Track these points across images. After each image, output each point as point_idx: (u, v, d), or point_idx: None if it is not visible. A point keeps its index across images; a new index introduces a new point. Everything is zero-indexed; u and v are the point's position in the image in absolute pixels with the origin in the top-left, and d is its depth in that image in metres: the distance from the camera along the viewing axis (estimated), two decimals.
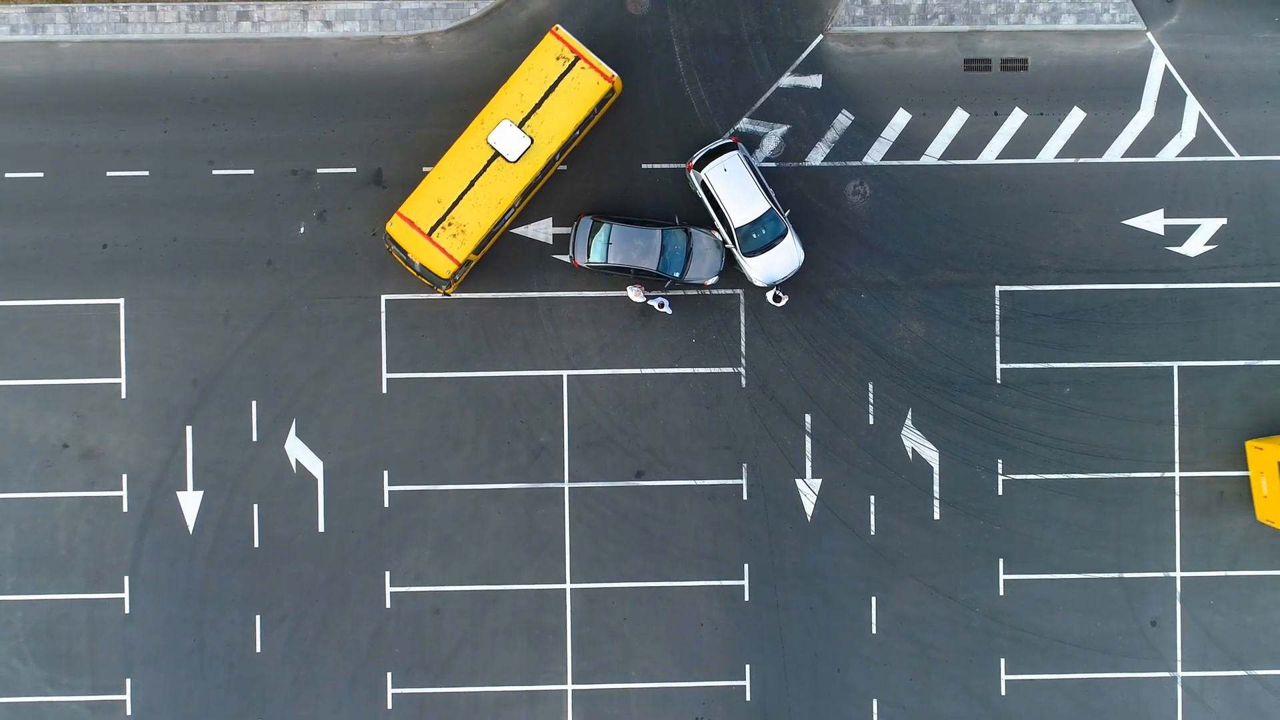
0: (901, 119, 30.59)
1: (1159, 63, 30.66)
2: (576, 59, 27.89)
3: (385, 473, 30.40)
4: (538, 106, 27.75)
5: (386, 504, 30.41)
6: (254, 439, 30.32)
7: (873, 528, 30.55)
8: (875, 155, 30.61)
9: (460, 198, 27.69)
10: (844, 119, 30.60)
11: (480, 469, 30.31)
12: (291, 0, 30.21)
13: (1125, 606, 30.60)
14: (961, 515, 30.51)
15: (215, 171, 30.38)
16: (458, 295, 30.28)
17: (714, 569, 30.46)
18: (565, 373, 30.55)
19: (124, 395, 30.29)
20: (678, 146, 30.53)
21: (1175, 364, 30.66)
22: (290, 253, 30.38)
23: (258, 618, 30.36)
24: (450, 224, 27.68)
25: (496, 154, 27.66)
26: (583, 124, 28.45)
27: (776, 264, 29.76)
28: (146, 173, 30.34)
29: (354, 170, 30.41)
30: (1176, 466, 30.62)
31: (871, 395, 30.61)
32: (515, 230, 30.41)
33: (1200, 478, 30.57)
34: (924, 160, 30.60)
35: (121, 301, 30.30)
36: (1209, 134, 30.68)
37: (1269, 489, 28.87)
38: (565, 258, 30.58)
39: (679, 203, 30.58)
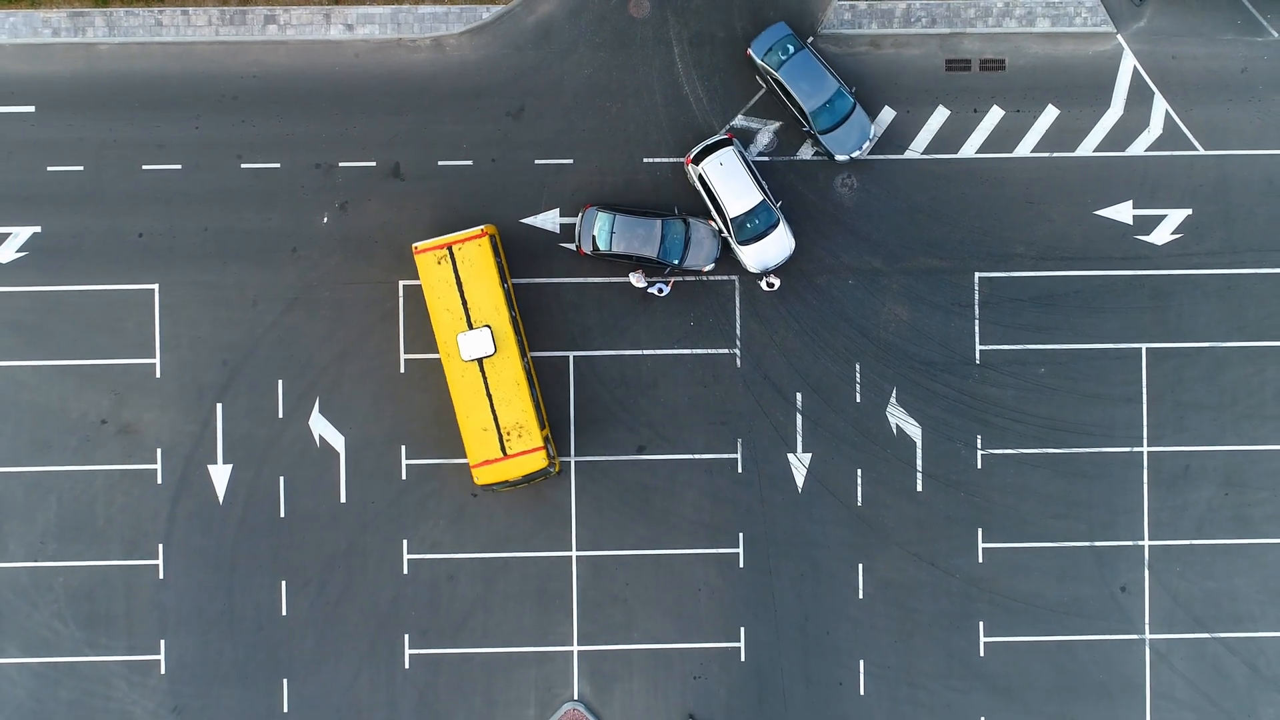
0: (886, 116, 32.09)
1: (1128, 63, 32.17)
2: (448, 247, 29.31)
3: (403, 447, 31.88)
4: (465, 304, 29.20)
5: (404, 476, 31.89)
6: (280, 416, 31.82)
7: (859, 499, 32.08)
8: (862, 150, 31.79)
9: (494, 410, 29.16)
10: None
11: None
12: (315, 5, 31.73)
13: (1096, 573, 32.11)
14: (943, 487, 32.08)
15: (244, 165, 31.81)
16: None
17: (711, 538, 31.98)
18: (571, 353, 32.03)
19: (158, 374, 31.76)
20: (676, 142, 32.00)
21: (1143, 345, 32.13)
22: (314, 241, 31.84)
23: (284, 583, 31.85)
24: (509, 432, 29.16)
25: (480, 359, 29.11)
26: (503, 277, 29.94)
27: (769, 252, 31.23)
28: (179, 166, 31.75)
29: (374, 164, 31.86)
30: (1145, 442, 32.10)
31: (858, 375, 32.15)
32: (525, 221, 31.96)
33: (1167, 452, 32.07)
34: (908, 155, 32.17)
35: (156, 287, 31.75)
36: (1175, 130, 32.17)
37: None
38: (571, 246, 31.97)
39: (678, 194, 32.03)
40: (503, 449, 29.18)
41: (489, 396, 29.18)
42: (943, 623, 32.04)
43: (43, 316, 31.61)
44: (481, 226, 29.81)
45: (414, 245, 29.64)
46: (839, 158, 31.27)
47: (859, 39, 32.01)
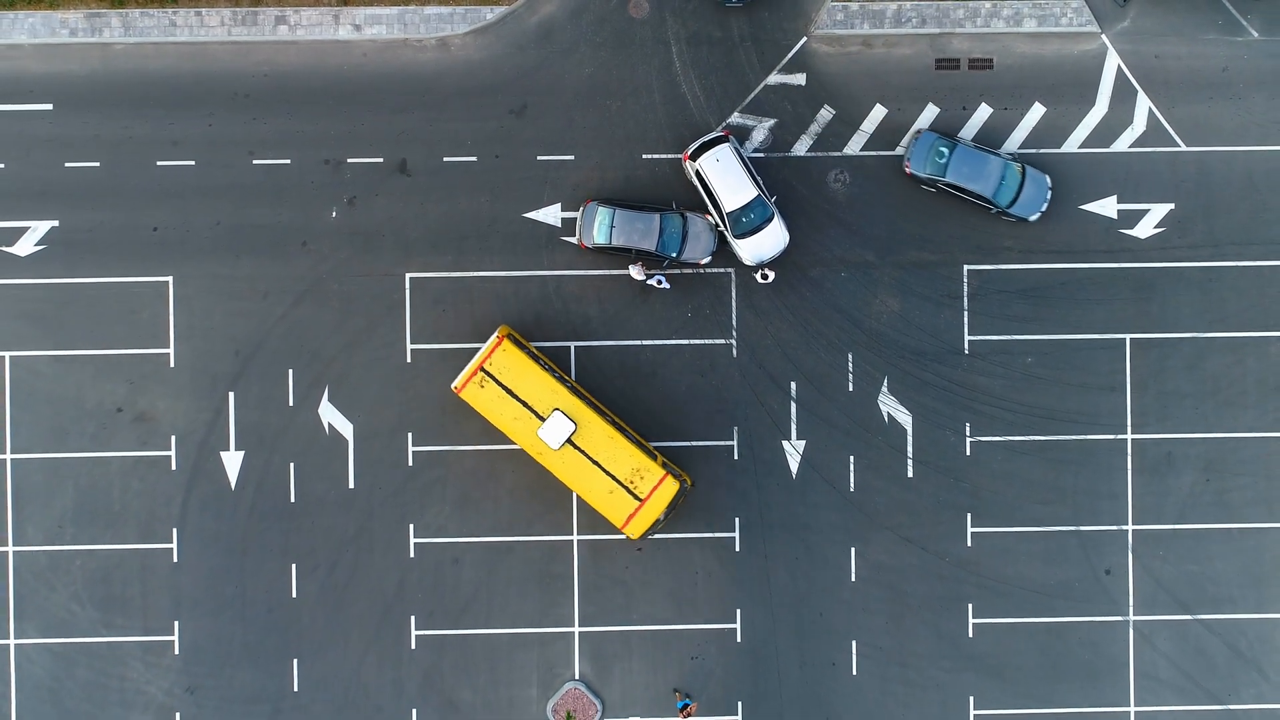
0: (878, 113, 32.90)
1: (1112, 62, 32.99)
2: (480, 369, 29.84)
3: (409, 434, 32.71)
4: (526, 404, 29.79)
5: (411, 463, 32.73)
6: (290, 404, 32.68)
7: (852, 485, 32.91)
8: (854, 146, 32.90)
9: (608, 472, 29.86)
10: (826, 113, 32.83)
11: (495, 431, 32.38)
12: (325, 6, 32.55)
13: (1082, 557, 32.97)
14: (933, 473, 32.93)
15: (255, 161, 32.59)
16: (474, 273, 32.63)
17: (707, 522, 32.80)
18: (573, 344, 32.84)
19: (172, 364, 32.60)
20: (674, 139, 32.80)
21: (1127, 336, 32.94)
22: (323, 235, 32.65)
23: (294, 566, 32.70)
24: (632, 481, 29.87)
25: (568, 439, 29.77)
26: (535, 357, 30.54)
27: (764, 245, 32.01)
28: (193, 162, 32.54)
29: (381, 160, 32.67)
30: (1129, 429, 32.92)
31: (851, 364, 33.00)
32: (527, 215, 32.80)
33: (1150, 439, 32.91)
34: (899, 151, 33.03)
35: (170, 279, 32.54)
36: (1158, 127, 32.98)
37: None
38: (573, 239, 32.77)
39: (676, 190, 32.81)
40: (635, 497, 29.96)
41: (596, 464, 29.98)
42: (933, 605, 32.86)
43: (60, 308, 32.46)
44: (495, 333, 30.49)
45: (453, 387, 30.26)
46: (1032, 219, 32.14)
47: (851, 39, 32.86)
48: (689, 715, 31.88)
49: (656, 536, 32.72)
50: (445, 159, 32.73)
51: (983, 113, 32.89)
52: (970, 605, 32.92)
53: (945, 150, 31.50)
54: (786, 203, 32.82)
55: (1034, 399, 32.89)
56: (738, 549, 32.87)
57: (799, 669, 32.80)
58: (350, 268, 32.67)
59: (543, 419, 29.92)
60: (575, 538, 32.82)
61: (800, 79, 32.84)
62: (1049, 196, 32.01)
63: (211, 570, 32.67)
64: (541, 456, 30.22)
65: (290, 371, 32.69)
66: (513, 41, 32.84)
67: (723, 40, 32.80)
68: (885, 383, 32.92)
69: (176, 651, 32.63)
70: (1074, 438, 32.88)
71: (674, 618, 32.85)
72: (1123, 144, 32.97)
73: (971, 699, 32.87)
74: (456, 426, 32.62)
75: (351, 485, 32.73)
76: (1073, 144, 32.93)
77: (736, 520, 32.87)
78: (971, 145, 31.68)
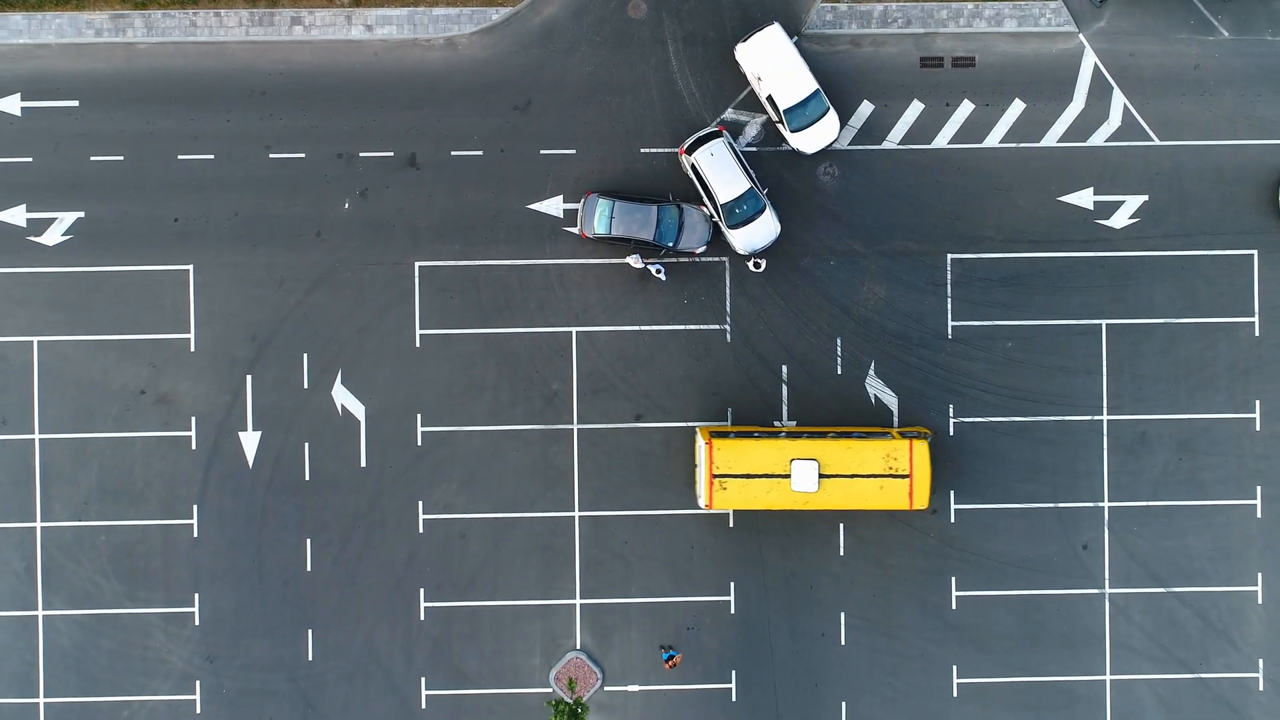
0: (865, 109, 34.02)
1: (1089, 60, 34.08)
2: (713, 477, 30.63)
3: (419, 415, 33.82)
4: (762, 475, 30.70)
5: (420, 443, 33.84)
6: (305, 386, 33.78)
7: None
8: (842, 141, 33.94)
9: (869, 474, 30.69)
10: None
11: (501, 412, 33.79)
12: (338, 7, 33.65)
13: (1060, 532, 34.08)
14: None
15: (272, 155, 33.66)
16: (481, 262, 33.76)
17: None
18: (574, 329, 33.96)
19: (193, 349, 33.71)
20: (671, 134, 33.87)
21: (1104, 322, 34.03)
22: (336, 226, 33.73)
23: (308, 541, 33.80)
24: (890, 468, 30.61)
25: (820, 476, 30.68)
26: (742, 434, 31.27)
27: (757, 235, 33.05)
28: (212, 156, 33.62)
29: (392, 154, 33.74)
30: (1105, 411, 34.01)
31: (839, 349, 34.07)
32: (531, 207, 33.93)
33: (1125, 420, 34.04)
34: (885, 145, 34.14)
35: (191, 268, 33.66)
36: (1133, 122, 34.08)
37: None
38: (574, 230, 33.80)
39: (672, 182, 33.87)
40: (902, 477, 30.67)
41: (854, 477, 30.70)
42: (917, 578, 33.95)
43: (86, 295, 33.57)
44: (699, 439, 31.20)
45: (705, 507, 31.22)
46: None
47: (840, 38, 33.99)
48: (674, 666, 33.14)
49: (652, 513, 33.91)
50: (453, 153, 33.81)
51: (965, 108, 34.04)
52: (953, 578, 34.02)
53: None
54: (778, 195, 33.93)
55: (1015, 382, 33.97)
56: (731, 525, 33.95)
57: (790, 639, 33.99)
58: (362, 257, 33.75)
59: (787, 476, 30.81)
60: (577, 514, 33.96)
61: None
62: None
63: (230, 545, 33.79)
64: (808, 504, 31.00)
65: (305, 356, 33.77)
66: (517, 41, 33.87)
67: (717, 40, 33.86)
68: (872, 366, 34.00)
69: (197, 622, 33.76)
70: (1053, 419, 33.95)
71: (671, 590, 33.95)
72: (1099, 138, 34.05)
73: (955, 668, 34.07)
74: (464, 408, 33.77)
75: (363, 464, 33.80)
76: (1051, 138, 34.01)
77: None
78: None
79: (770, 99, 32.73)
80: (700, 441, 31.52)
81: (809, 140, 33.02)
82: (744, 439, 31.10)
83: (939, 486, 33.99)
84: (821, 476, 30.78)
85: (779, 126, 33.18)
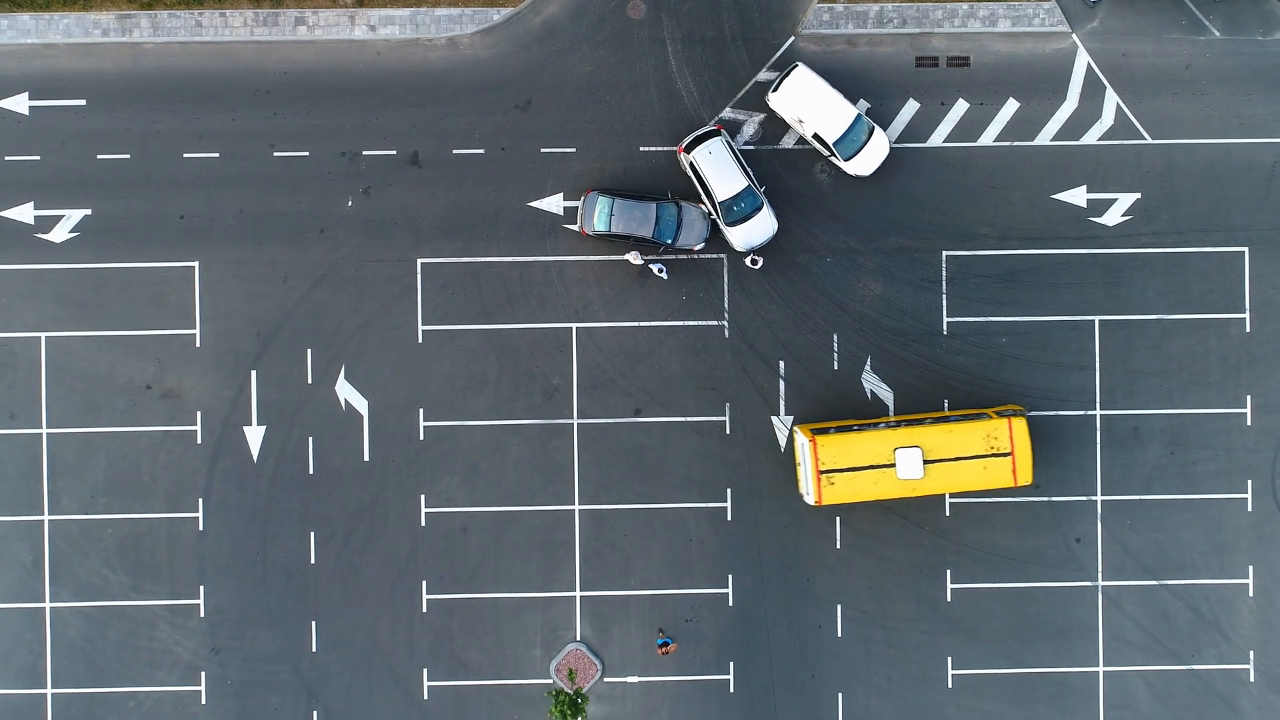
0: (862, 108, 34.23)
1: (1082, 60, 34.45)
2: (819, 473, 31.04)
3: (421, 410, 34.20)
4: (867, 466, 31.26)
5: (422, 437, 34.24)
6: (309, 381, 34.16)
7: None
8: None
9: (971, 456, 31.26)
10: None
11: (502, 407, 34.19)
12: (341, 7, 34.01)
13: (1053, 525, 34.45)
14: None
15: (276, 154, 34.03)
16: (482, 259, 34.10)
17: (701, 493, 34.34)
18: (574, 325, 34.31)
19: (198, 344, 34.10)
20: (670, 132, 34.25)
21: (1096, 318, 34.40)
22: (340, 223, 34.11)
23: (312, 534, 34.19)
24: (991, 448, 31.17)
25: (924, 462, 31.27)
26: (841, 428, 31.83)
27: (754, 232, 33.45)
28: (217, 155, 33.99)
29: (394, 152, 34.10)
30: (1098, 405, 34.36)
31: (836, 345, 34.43)
32: (532, 204, 34.33)
33: (1117, 415, 34.39)
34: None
35: (196, 264, 34.04)
36: (1125, 121, 34.45)
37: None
38: (574, 227, 34.19)
39: (671, 180, 34.24)
40: (1004, 455, 31.21)
41: (957, 460, 31.25)
42: (913, 571, 34.34)
43: (92, 291, 33.98)
44: (799, 438, 31.67)
45: (814, 504, 31.60)
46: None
47: (836, 38, 34.37)
48: (666, 654, 33.53)
49: (651, 506, 34.31)
50: (454, 151, 34.17)
51: (960, 107, 34.40)
52: (948, 571, 34.42)
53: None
54: (775, 192, 34.30)
55: (1009, 377, 34.34)
56: (729, 518, 34.36)
57: (787, 631, 34.39)
58: (365, 253, 34.13)
59: (892, 465, 31.28)
60: (577, 507, 34.34)
61: None
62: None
63: (235, 538, 34.18)
64: (915, 491, 31.51)
65: (309, 351, 34.16)
66: (518, 41, 34.24)
67: (715, 40, 34.25)
68: (868, 362, 34.36)
69: (202, 614, 34.16)
70: (1046, 413, 34.31)
71: (669, 583, 34.36)
72: (1092, 137, 34.42)
73: (949, 659, 34.47)
74: (465, 403, 34.17)
75: (366, 458, 34.20)
76: (1045, 137, 34.38)
77: (728, 491, 34.34)
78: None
79: (816, 136, 33.11)
80: (802, 439, 31.96)
81: (863, 164, 33.46)
82: (844, 433, 31.53)
83: None
84: (926, 462, 31.23)
85: (832, 160, 33.52)
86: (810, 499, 31.90)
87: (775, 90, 33.38)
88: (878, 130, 33.54)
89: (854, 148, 33.20)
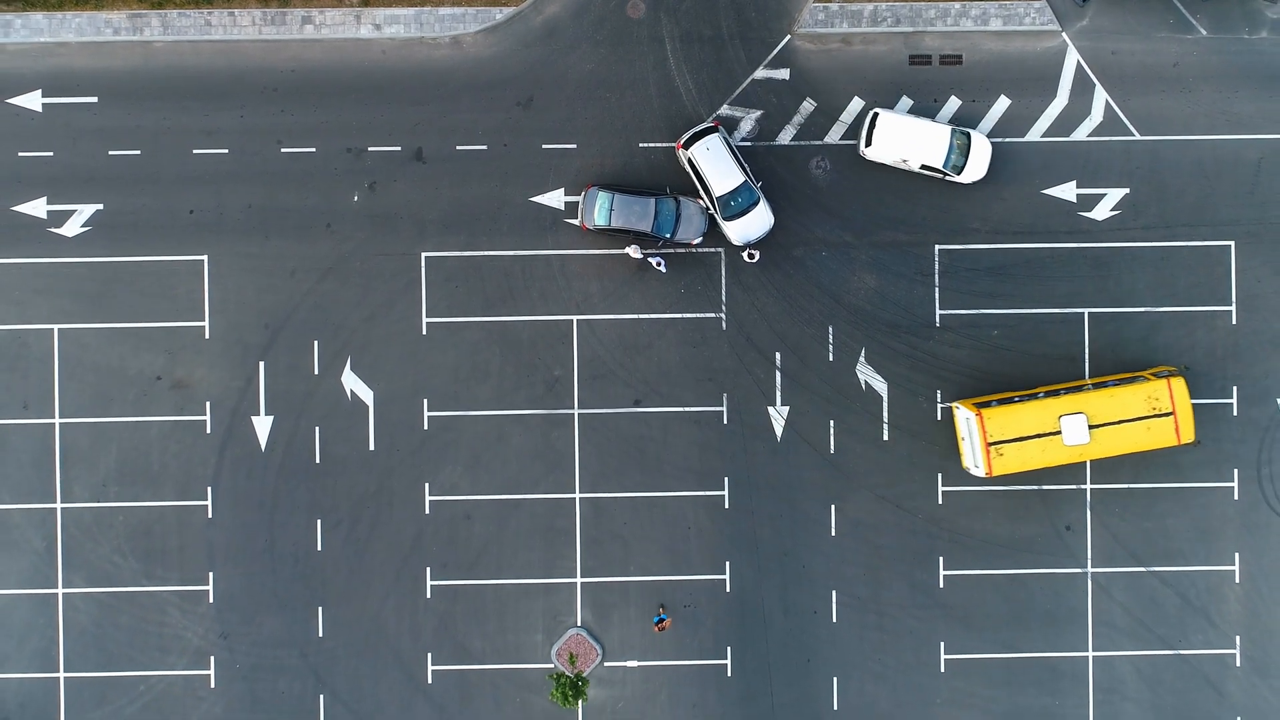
0: (856, 105, 34.88)
1: (1072, 58, 34.98)
2: (988, 445, 31.44)
3: (425, 400, 34.76)
4: (1035, 435, 31.70)
5: (426, 427, 34.78)
6: (315, 372, 34.72)
7: (832, 447, 34.89)
8: (834, 136, 34.89)
9: (1135, 418, 31.80)
10: (808, 105, 34.83)
11: (504, 398, 34.75)
12: (347, 7, 34.58)
13: (1044, 513, 34.95)
14: (906, 437, 34.93)
15: (283, 150, 34.60)
16: (485, 253, 34.75)
17: (699, 482, 34.89)
18: (575, 317, 34.87)
19: (207, 336, 34.68)
20: (669, 129, 34.79)
21: (1086, 310, 34.92)
22: (346, 217, 34.66)
23: (319, 522, 34.76)
24: (1153, 409, 31.72)
25: (1089, 427, 31.74)
26: (1003, 400, 32.29)
27: (751, 226, 33.98)
28: (226, 151, 34.57)
29: (399, 149, 34.63)
30: None
31: (831, 336, 34.98)
32: (533, 199, 34.91)
33: None
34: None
35: (205, 258, 34.61)
36: (1114, 118, 35.00)
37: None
38: (575, 222, 34.74)
39: (670, 176, 34.76)
40: (1166, 415, 31.77)
41: (1121, 423, 31.71)
42: (906, 558, 34.88)
43: (104, 285, 34.60)
44: (962, 413, 32.06)
45: (983, 475, 31.96)
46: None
47: (831, 37, 34.94)
48: (662, 630, 34.12)
49: (651, 495, 34.92)
50: (458, 147, 34.72)
51: (952, 104, 34.99)
52: (941, 558, 34.95)
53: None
54: (771, 188, 34.83)
55: (1000, 368, 34.84)
56: (727, 506, 34.90)
57: (783, 617, 34.96)
58: (370, 247, 34.69)
59: (1057, 433, 31.71)
60: (577, 495, 34.91)
61: (784, 74, 34.90)
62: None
63: (243, 525, 34.77)
64: (1082, 456, 31.94)
65: (315, 343, 34.71)
66: (520, 40, 34.79)
67: (713, 38, 34.81)
68: (863, 353, 34.93)
69: (211, 600, 34.75)
70: None
71: (668, 569, 34.92)
72: (1081, 133, 34.96)
73: (942, 644, 35.03)
74: (468, 393, 34.76)
75: (372, 447, 34.76)
76: (1035, 133, 34.95)
77: (726, 480, 34.88)
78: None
79: (925, 166, 33.78)
80: (966, 414, 32.37)
81: (975, 170, 34.03)
82: (1007, 405, 31.92)
83: (928, 469, 34.95)
84: (1091, 428, 31.67)
85: (944, 178, 34.14)
86: (979, 471, 32.30)
87: (868, 145, 33.88)
88: (973, 133, 34.01)
89: (962, 161, 33.82)
